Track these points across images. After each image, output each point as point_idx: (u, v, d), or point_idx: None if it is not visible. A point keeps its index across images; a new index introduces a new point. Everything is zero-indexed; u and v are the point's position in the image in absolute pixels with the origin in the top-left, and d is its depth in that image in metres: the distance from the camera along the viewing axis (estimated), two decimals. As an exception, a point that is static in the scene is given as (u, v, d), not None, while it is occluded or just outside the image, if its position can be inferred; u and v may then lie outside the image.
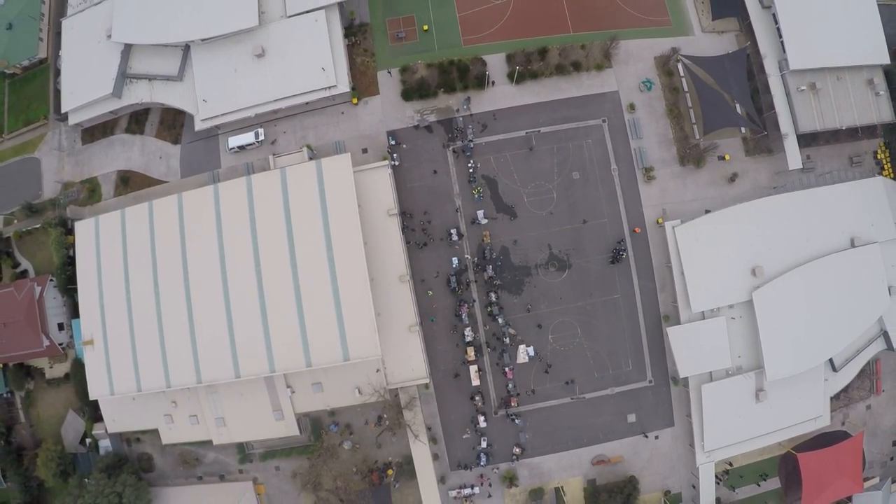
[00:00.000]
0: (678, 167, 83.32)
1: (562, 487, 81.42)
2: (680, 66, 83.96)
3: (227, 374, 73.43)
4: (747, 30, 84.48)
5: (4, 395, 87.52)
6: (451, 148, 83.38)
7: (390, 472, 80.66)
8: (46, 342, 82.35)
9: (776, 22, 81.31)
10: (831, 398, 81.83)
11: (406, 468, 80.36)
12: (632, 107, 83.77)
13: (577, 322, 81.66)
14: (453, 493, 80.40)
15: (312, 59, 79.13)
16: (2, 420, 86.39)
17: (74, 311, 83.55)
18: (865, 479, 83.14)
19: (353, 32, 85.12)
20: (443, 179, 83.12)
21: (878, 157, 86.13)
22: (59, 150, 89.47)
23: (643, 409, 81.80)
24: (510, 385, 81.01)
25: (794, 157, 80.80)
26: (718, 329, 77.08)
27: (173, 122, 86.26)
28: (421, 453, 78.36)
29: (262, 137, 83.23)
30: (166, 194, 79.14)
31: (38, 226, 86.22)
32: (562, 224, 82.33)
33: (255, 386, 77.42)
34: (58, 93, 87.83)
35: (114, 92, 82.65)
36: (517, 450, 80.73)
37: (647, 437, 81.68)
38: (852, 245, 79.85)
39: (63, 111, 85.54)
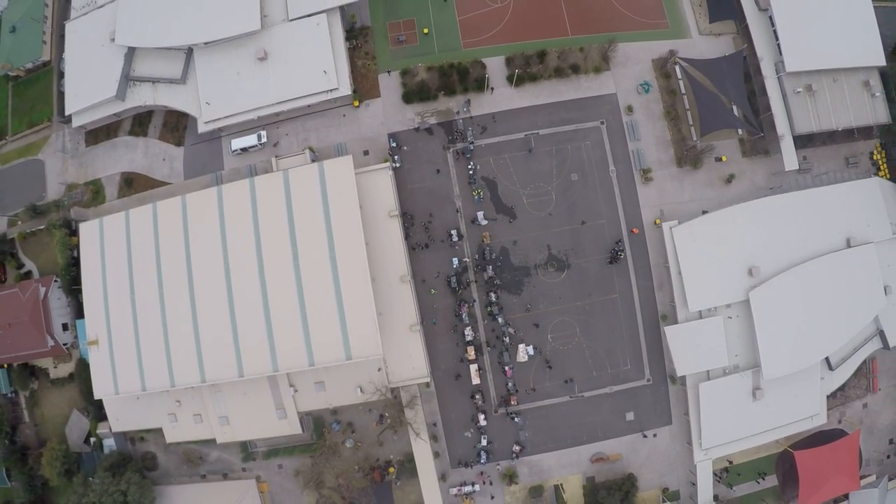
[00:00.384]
0: (675, 168, 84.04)
1: (561, 485, 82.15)
2: (677, 68, 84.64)
3: (231, 374, 74.07)
4: (744, 32, 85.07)
5: (9, 395, 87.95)
6: (451, 150, 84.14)
7: (392, 469, 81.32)
8: (51, 342, 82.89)
9: (773, 24, 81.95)
10: (828, 397, 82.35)
11: (407, 466, 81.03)
12: (630, 109, 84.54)
13: (576, 321, 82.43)
14: (454, 491, 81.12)
15: (314, 62, 79.81)
16: (6, 420, 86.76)
17: (78, 312, 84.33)
18: (862, 477, 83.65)
19: (355, 36, 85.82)
20: (443, 181, 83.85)
21: (875, 157, 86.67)
22: (63, 152, 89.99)
23: (641, 408, 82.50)
24: (510, 384, 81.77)
25: (790, 158, 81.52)
26: (715, 328, 77.79)
27: (176, 125, 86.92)
28: (422, 451, 78.97)
29: (264, 140, 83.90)
30: (170, 196, 79.81)
31: (42, 227, 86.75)
32: (561, 225, 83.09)
33: (258, 385, 77.94)
34: (61, 95, 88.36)
35: (117, 95, 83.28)
36: (517, 448, 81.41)
37: (646, 436, 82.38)
38: (848, 245, 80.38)
39: (67, 113, 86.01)
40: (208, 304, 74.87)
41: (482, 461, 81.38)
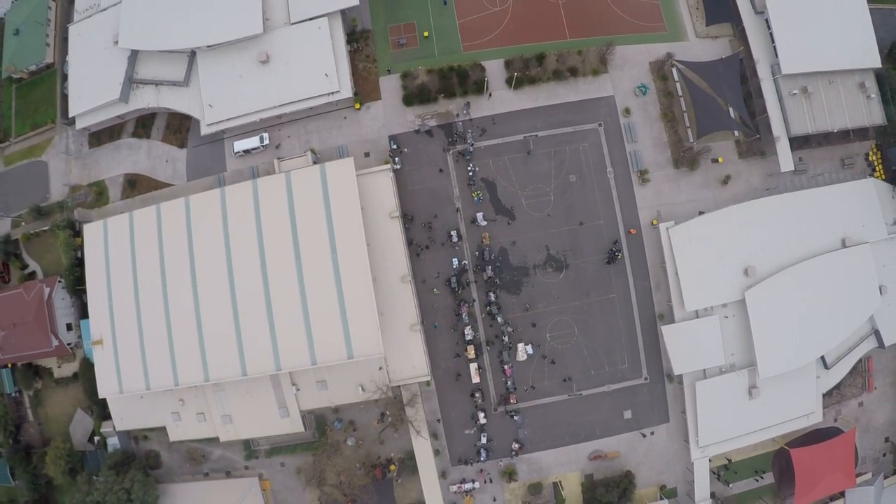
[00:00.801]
0: (672, 170, 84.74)
1: (560, 482, 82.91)
2: (674, 70, 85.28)
3: (234, 373, 74.70)
4: (740, 35, 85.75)
5: (13, 395, 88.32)
6: (451, 152, 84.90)
7: (393, 467, 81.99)
8: (55, 342, 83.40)
9: (769, 27, 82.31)
10: (824, 395, 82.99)
11: (408, 463, 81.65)
12: (627, 111, 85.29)
13: (574, 321, 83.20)
14: (454, 488, 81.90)
15: (316, 65, 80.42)
16: (11, 419, 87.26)
17: (82, 312, 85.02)
18: (858, 475, 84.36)
19: (356, 39, 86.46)
20: (443, 182, 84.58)
21: (870, 159, 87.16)
22: (67, 154, 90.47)
23: (639, 406, 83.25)
24: (509, 382, 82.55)
25: (786, 159, 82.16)
26: (712, 327, 78.54)
27: (179, 127, 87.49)
28: (422, 449, 79.65)
29: (266, 142, 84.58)
30: (173, 197, 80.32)
31: (45, 228, 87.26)
32: (559, 226, 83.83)
33: (261, 384, 78.56)
34: (65, 97, 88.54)
35: (121, 97, 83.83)
36: (516, 445, 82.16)
37: (645, 436, 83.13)
38: (844, 245, 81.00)
39: (70, 115, 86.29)
40: (212, 305, 75.47)
41: (482, 459, 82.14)
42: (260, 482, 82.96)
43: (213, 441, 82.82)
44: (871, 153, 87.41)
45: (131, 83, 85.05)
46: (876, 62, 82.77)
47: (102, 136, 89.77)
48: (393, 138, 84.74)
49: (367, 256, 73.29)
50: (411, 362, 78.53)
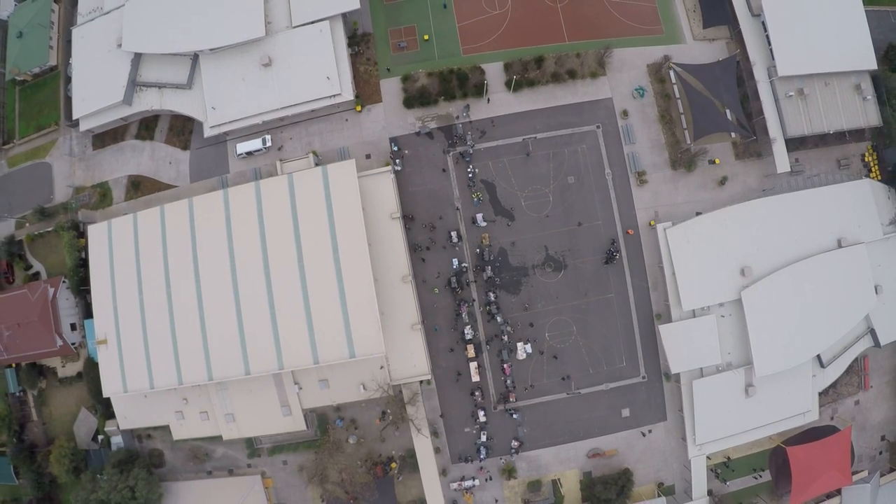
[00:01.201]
0: (670, 171, 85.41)
1: (559, 479, 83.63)
2: (672, 73, 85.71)
3: (238, 372, 75.35)
4: (737, 37, 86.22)
5: (17, 394, 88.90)
6: (451, 153, 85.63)
7: (394, 465, 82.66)
8: (60, 342, 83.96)
9: (765, 29, 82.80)
10: (820, 394, 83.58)
11: (409, 461, 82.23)
12: (625, 113, 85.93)
13: (573, 320, 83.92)
14: (454, 485, 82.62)
15: (317, 68, 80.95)
16: (15, 418, 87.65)
17: (86, 312, 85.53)
18: (855, 473, 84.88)
19: (357, 42, 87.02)
20: (443, 184, 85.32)
21: (866, 159, 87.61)
22: (71, 156, 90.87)
23: (637, 404, 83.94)
24: (508, 381, 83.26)
25: (782, 160, 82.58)
26: (709, 327, 79.17)
27: (182, 129, 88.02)
28: (423, 447, 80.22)
29: (269, 144, 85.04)
30: (176, 199, 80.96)
31: (49, 229, 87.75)
32: (558, 226, 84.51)
33: (263, 383, 79.23)
34: (68, 99, 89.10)
35: (124, 99, 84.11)
36: (516, 443, 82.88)
37: (644, 435, 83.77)
38: (839, 245, 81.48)
39: (74, 118, 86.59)
40: (215, 304, 76.11)
41: (482, 456, 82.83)
42: (262, 480, 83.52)
43: (217, 439, 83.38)
44: (866, 154, 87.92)
45: (135, 86, 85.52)
46: (872, 64, 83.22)
47: (106, 137, 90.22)
48: (394, 140, 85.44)
49: (368, 257, 73.93)
50: (412, 361, 79.14)
